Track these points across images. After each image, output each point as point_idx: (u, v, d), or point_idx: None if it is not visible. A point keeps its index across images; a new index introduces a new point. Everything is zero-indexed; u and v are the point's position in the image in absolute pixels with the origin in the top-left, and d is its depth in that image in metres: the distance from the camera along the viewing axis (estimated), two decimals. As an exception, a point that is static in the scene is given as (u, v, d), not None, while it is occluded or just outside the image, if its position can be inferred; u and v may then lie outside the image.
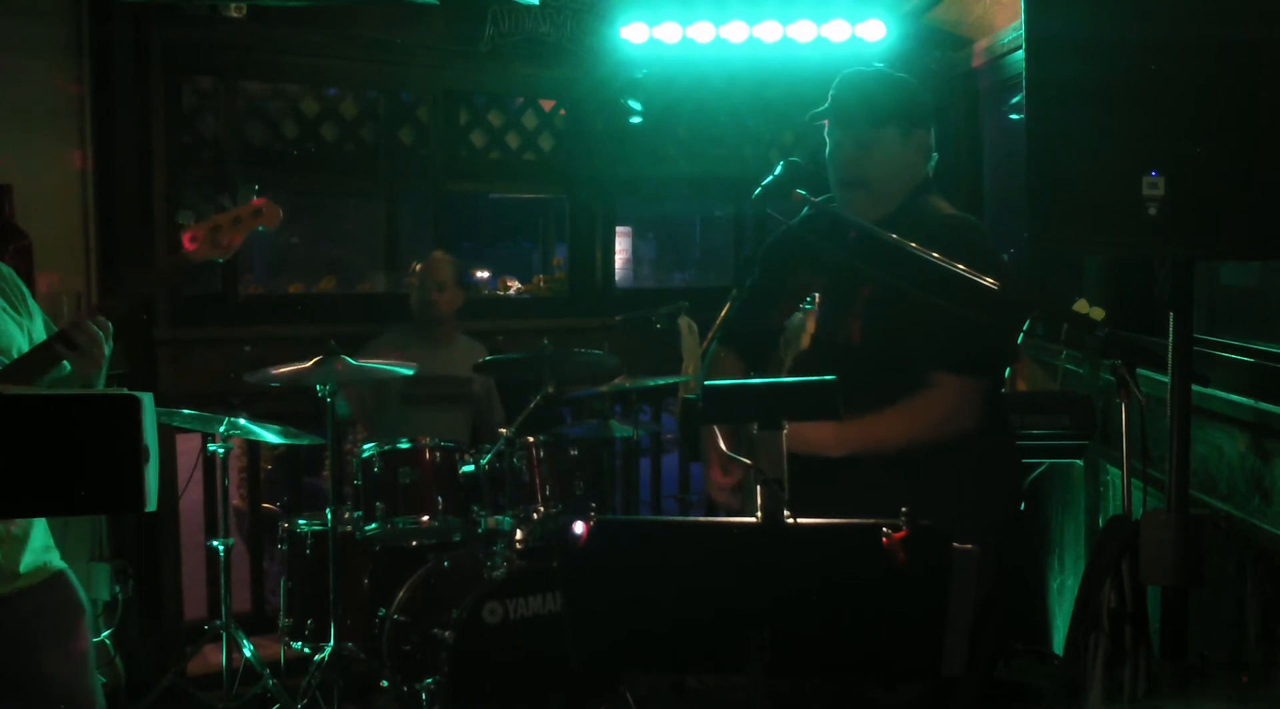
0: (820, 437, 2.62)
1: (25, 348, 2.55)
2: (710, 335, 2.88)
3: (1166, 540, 2.49)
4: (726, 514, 2.85)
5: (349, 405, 4.77)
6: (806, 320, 2.84)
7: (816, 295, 2.86)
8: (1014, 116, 5.09)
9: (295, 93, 5.16)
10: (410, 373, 4.09)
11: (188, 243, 2.64)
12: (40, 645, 2.54)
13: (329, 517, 4.00)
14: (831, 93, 2.83)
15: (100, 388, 2.51)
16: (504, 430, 4.15)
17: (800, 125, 5.67)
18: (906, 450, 2.66)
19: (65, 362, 2.48)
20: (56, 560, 2.63)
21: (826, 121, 2.85)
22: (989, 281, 2.42)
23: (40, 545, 2.59)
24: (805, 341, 2.86)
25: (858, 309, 2.75)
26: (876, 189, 2.79)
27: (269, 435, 4.22)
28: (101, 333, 2.50)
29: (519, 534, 4.09)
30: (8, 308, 2.60)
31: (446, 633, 3.84)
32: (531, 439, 4.25)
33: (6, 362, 2.50)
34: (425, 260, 4.92)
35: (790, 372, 2.88)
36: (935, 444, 2.66)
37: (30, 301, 2.68)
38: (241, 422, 4.12)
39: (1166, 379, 2.53)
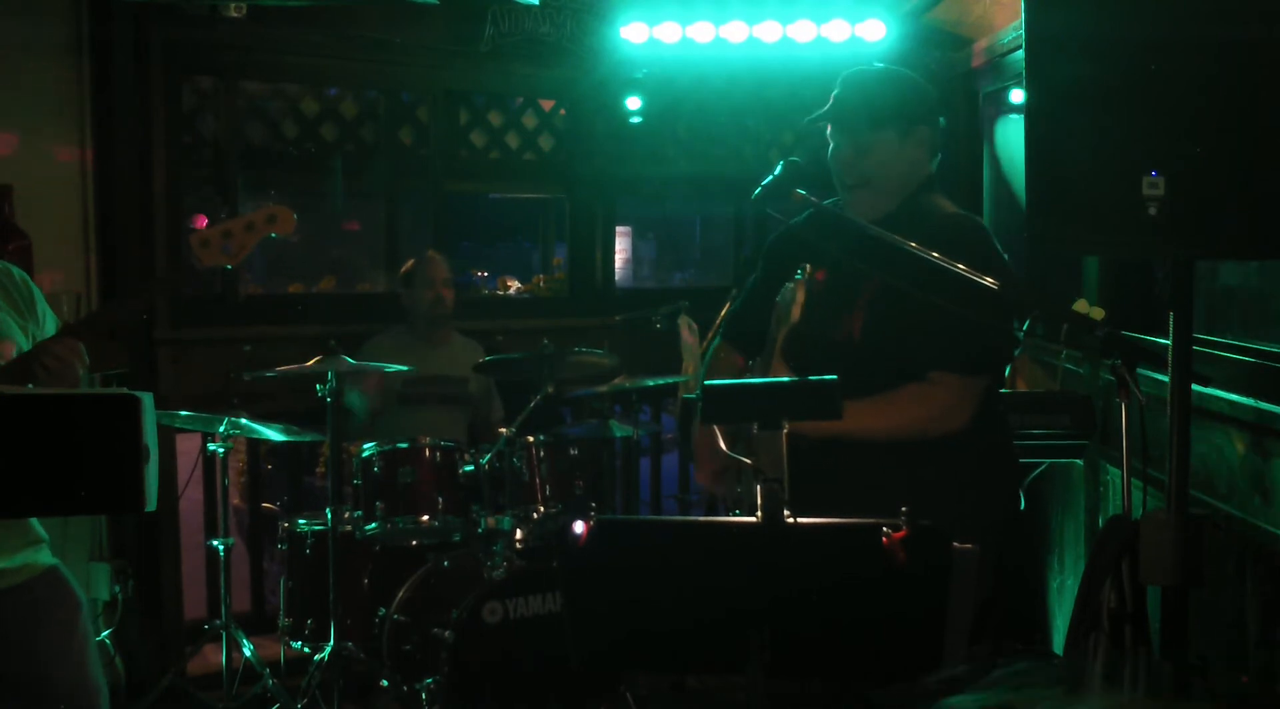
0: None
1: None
2: (711, 334, 2.89)
3: (1166, 540, 2.49)
4: (725, 512, 2.86)
5: (365, 399, 4.59)
6: (796, 291, 2.83)
7: (807, 266, 2.84)
8: (1014, 117, 5.09)
9: (295, 93, 5.16)
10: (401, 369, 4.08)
11: (197, 247, 2.60)
12: (37, 641, 2.53)
13: (329, 517, 4.00)
14: (834, 94, 2.83)
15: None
16: (504, 430, 4.15)
17: (800, 125, 5.68)
18: (901, 446, 2.65)
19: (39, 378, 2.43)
20: (46, 557, 2.61)
21: (829, 124, 2.85)
22: (989, 281, 2.42)
23: (27, 543, 2.57)
24: (796, 314, 2.84)
25: (859, 307, 2.74)
26: (878, 188, 2.81)
27: (271, 433, 4.22)
28: (74, 357, 2.44)
29: (519, 534, 4.09)
30: (11, 312, 2.58)
31: (446, 633, 3.84)
32: (531, 439, 4.25)
33: None
34: (421, 261, 4.88)
35: (783, 349, 2.86)
36: (925, 440, 2.66)
37: (40, 306, 2.65)
38: (242, 420, 4.12)
39: (1166, 379, 2.53)
